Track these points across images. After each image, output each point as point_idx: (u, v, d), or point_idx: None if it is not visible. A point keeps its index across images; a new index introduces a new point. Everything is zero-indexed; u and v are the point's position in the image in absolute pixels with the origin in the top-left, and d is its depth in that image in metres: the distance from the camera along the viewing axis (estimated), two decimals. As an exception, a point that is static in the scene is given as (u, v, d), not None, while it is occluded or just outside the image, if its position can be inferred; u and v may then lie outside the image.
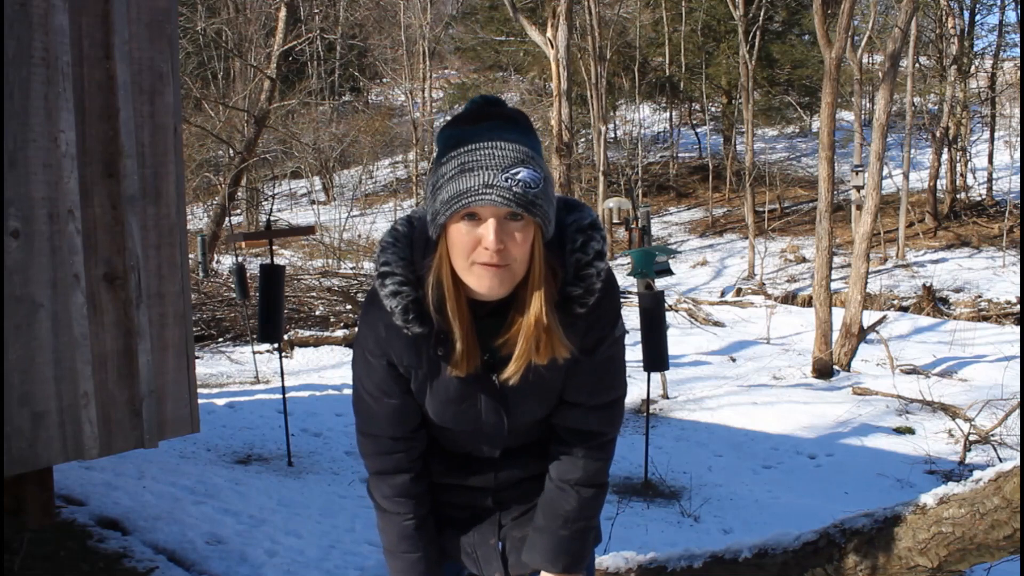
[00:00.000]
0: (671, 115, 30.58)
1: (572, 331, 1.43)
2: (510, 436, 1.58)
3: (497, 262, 1.31)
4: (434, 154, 1.41)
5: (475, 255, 1.33)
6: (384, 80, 33.66)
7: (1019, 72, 21.29)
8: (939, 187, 23.05)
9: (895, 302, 16.67)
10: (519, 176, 1.30)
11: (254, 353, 9.24)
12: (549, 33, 13.91)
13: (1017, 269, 18.10)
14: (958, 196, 23.49)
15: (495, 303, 1.41)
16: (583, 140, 26.61)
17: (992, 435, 7.06)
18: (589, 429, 1.57)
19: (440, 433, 1.61)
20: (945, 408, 8.05)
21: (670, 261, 9.27)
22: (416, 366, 1.48)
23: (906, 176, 21.08)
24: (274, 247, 6.94)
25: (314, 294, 12.47)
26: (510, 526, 1.67)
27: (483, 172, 1.30)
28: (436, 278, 1.38)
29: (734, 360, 11.06)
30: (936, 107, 24.63)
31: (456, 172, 1.31)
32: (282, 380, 6.12)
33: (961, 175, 23.87)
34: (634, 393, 8.99)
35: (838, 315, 10.93)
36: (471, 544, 1.68)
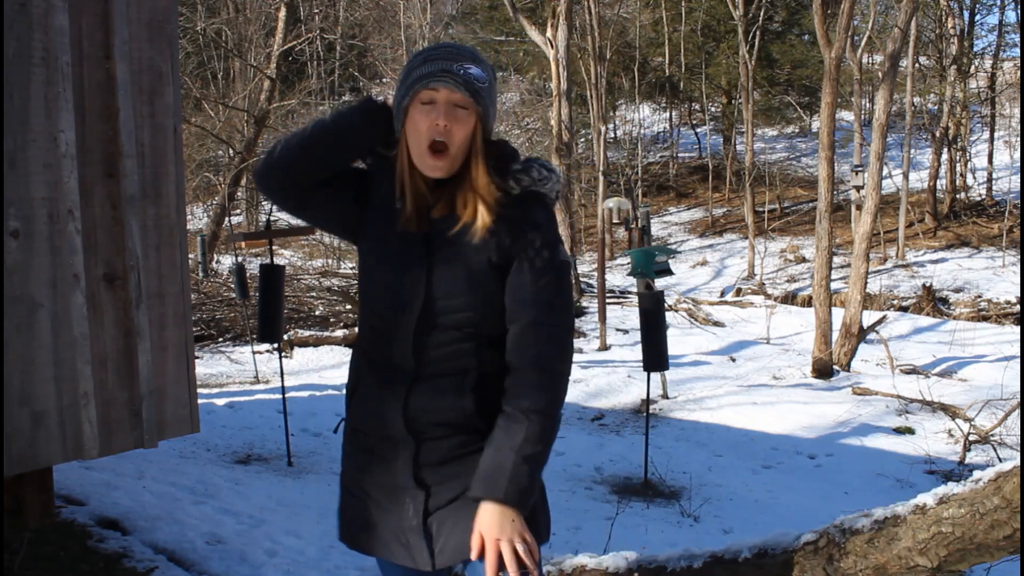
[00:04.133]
0: (671, 115, 30.59)
1: (502, 221, 1.62)
2: (427, 333, 1.63)
3: (442, 137, 1.59)
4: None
5: (425, 135, 1.60)
6: (384, 80, 33.65)
7: (1019, 72, 21.29)
8: (939, 187, 23.06)
9: (895, 302, 16.68)
10: (471, 70, 1.61)
11: (254, 353, 9.24)
12: (549, 33, 13.91)
13: (1017, 269, 18.10)
14: (958, 196, 23.50)
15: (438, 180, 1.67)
16: (583, 140, 26.59)
17: (992, 435, 7.06)
18: (538, 351, 1.60)
19: (367, 335, 1.73)
20: (945, 408, 8.05)
21: (670, 261, 9.28)
22: (378, 193, 1.72)
23: (906, 176, 21.09)
24: (274, 247, 6.94)
25: (314, 294, 12.48)
26: (440, 512, 1.64)
27: (442, 61, 1.61)
28: (399, 159, 1.67)
29: (734, 360, 11.06)
30: (936, 107, 24.64)
31: (420, 62, 1.63)
32: (282, 380, 6.12)
33: (961, 175, 23.88)
34: (634, 393, 8.99)
35: (838, 315, 10.93)
36: (393, 531, 1.67)
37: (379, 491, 1.70)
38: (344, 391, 1.84)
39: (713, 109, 29.91)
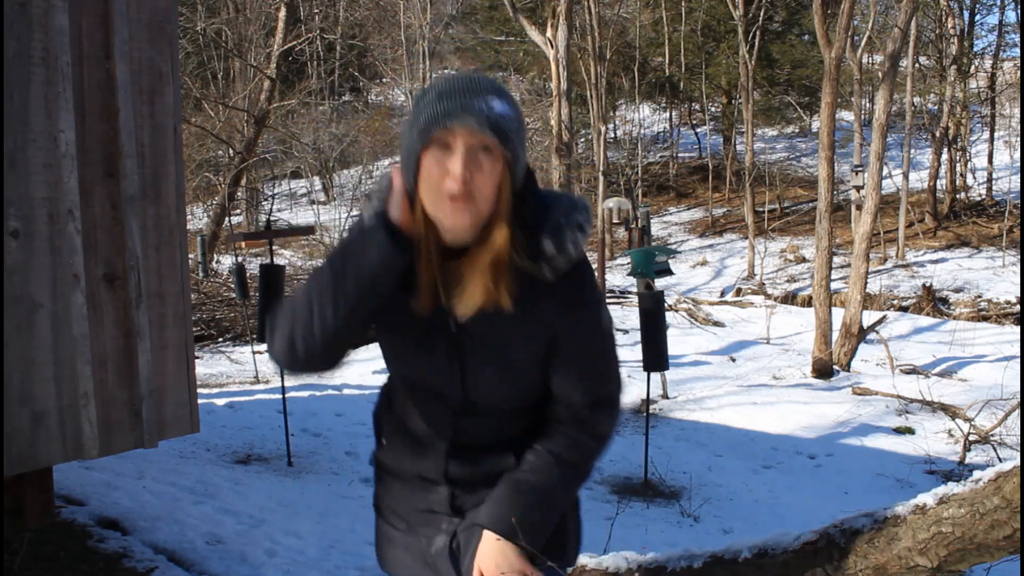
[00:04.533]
0: (671, 115, 30.59)
1: (540, 296, 1.39)
2: (469, 419, 1.50)
3: (462, 192, 1.30)
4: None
5: (443, 187, 1.32)
6: (384, 80, 33.66)
7: (1019, 72, 21.29)
8: (939, 187, 23.06)
9: (895, 302, 16.68)
10: (495, 107, 1.32)
11: (254, 353, 9.24)
12: (549, 33, 13.90)
13: (1017, 269, 18.10)
14: (958, 196, 23.50)
15: (461, 248, 1.38)
16: (583, 140, 26.61)
17: (992, 435, 7.06)
18: (588, 421, 1.49)
19: (401, 397, 1.57)
20: (945, 408, 8.05)
21: (670, 261, 9.29)
22: None
23: (906, 176, 21.09)
24: (274, 247, 6.94)
25: (314, 294, 12.46)
26: (465, 532, 1.55)
27: (460, 96, 1.32)
28: (413, 221, 1.38)
29: (734, 360, 11.06)
30: (936, 107, 24.64)
31: (434, 99, 1.33)
32: (282, 380, 6.12)
33: (961, 175, 23.88)
34: (634, 393, 8.98)
35: (838, 315, 10.93)
36: (423, 556, 1.59)
37: (414, 516, 1.60)
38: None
39: (713, 109, 29.92)
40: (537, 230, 1.38)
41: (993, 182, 24.04)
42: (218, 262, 16.35)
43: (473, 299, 1.37)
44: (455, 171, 1.30)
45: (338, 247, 1.39)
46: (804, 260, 20.48)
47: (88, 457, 2.94)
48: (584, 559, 2.38)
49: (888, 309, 15.63)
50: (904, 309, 16.17)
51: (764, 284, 19.01)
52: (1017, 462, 1.89)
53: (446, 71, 34.60)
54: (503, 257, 1.35)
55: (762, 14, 23.02)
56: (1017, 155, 23.52)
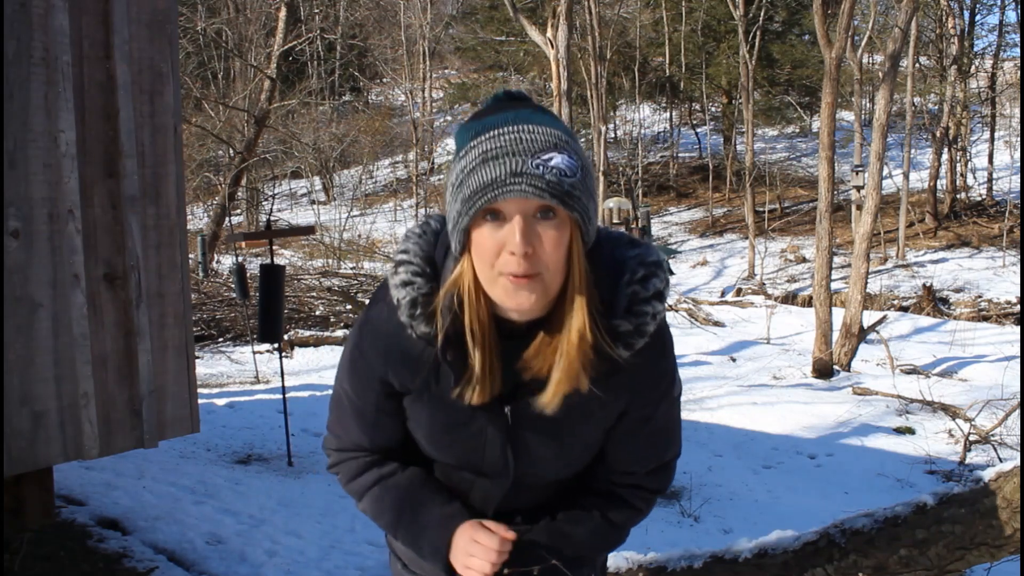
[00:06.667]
0: (671, 115, 30.59)
1: (615, 381, 1.22)
2: (514, 492, 1.37)
3: (525, 271, 1.11)
4: (451, 155, 1.22)
5: (500, 263, 1.12)
6: (384, 80, 33.68)
7: (1019, 72, 21.30)
8: (939, 187, 23.06)
9: (895, 302, 16.68)
10: (552, 162, 1.10)
11: (254, 353, 9.24)
12: (549, 33, 13.91)
13: (1017, 269, 18.10)
14: (958, 196, 23.51)
15: (521, 325, 1.20)
16: (583, 140, 26.61)
17: (992, 435, 7.06)
18: (640, 484, 1.40)
19: (425, 461, 1.42)
20: (945, 408, 8.04)
21: (670, 261, 9.29)
22: (412, 378, 1.27)
23: (906, 176, 21.09)
24: (274, 247, 6.94)
25: (314, 294, 12.48)
26: None
27: (509, 159, 1.10)
28: (455, 288, 1.18)
29: (734, 360, 11.06)
30: (936, 107, 24.64)
31: (478, 163, 1.12)
32: (282, 380, 6.12)
33: (961, 175, 23.88)
34: (634, 393, 8.98)
35: (838, 315, 10.93)
36: None
37: (433, 571, 1.48)
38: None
39: (713, 109, 29.94)
40: (610, 302, 1.19)
41: (993, 182, 24.04)
42: (218, 262, 16.35)
43: (560, 388, 1.18)
44: (513, 246, 1.10)
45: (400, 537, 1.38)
46: (804, 260, 20.48)
47: (88, 457, 2.94)
48: (584, 559, 2.37)
49: (888, 309, 15.63)
50: (904, 309, 16.18)
51: (764, 284, 19.01)
52: (1017, 462, 1.89)
53: (446, 70, 34.61)
54: (587, 337, 1.15)
55: (762, 14, 23.04)
56: (1017, 155, 23.52)
